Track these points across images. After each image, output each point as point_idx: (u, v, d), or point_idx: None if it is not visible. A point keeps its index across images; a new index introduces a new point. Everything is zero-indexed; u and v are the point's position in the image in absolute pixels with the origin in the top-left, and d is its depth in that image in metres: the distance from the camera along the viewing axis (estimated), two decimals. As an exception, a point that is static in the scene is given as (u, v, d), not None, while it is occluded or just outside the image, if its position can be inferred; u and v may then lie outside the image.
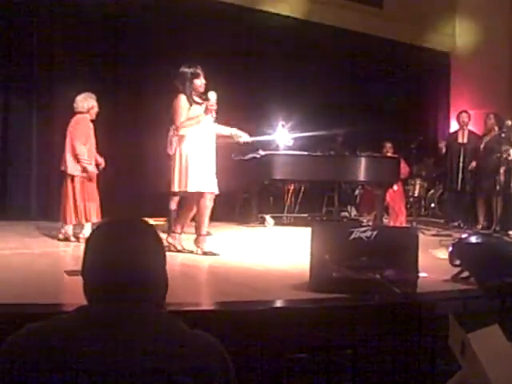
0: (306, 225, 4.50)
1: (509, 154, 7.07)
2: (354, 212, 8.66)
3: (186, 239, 5.03)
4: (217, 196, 6.93)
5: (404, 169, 7.84)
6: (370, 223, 7.21)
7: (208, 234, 5.06)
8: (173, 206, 6.13)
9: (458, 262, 3.81)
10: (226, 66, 7.85)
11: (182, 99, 4.75)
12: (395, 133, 8.67)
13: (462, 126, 7.93)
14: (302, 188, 8.13)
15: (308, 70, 8.29)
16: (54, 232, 5.74)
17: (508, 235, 6.76)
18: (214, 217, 7.55)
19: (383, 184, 7.09)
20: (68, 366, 1.17)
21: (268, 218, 7.38)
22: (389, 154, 8.19)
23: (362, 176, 6.70)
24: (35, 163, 7.33)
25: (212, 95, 4.77)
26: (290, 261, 4.67)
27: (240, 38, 8.40)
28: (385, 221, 7.70)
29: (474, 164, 7.58)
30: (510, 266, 3.47)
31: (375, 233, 3.25)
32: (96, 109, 5.54)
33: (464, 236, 4.29)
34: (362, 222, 7.60)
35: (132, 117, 7.75)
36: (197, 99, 4.83)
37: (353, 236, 3.24)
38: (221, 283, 3.72)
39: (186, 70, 4.80)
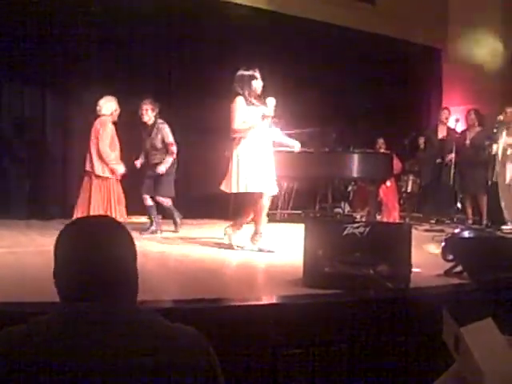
0: (300, 221, 4.51)
1: (491, 150, 7.13)
2: (347, 208, 8.67)
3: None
4: (211, 194, 6.96)
5: (396, 165, 7.86)
6: (364, 219, 7.22)
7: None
8: (149, 202, 6.21)
9: (450, 257, 3.83)
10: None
11: (239, 101, 4.85)
12: (388, 128, 8.69)
13: (443, 121, 8.04)
14: (295, 185, 8.14)
15: (300, 67, 8.28)
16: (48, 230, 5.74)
17: (500, 230, 6.80)
18: (209, 214, 7.65)
19: (376, 180, 7.10)
20: (47, 367, 1.15)
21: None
22: (381, 150, 8.22)
23: (355, 172, 6.70)
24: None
25: (270, 101, 4.84)
26: (284, 257, 4.68)
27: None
28: (378, 217, 7.71)
29: (450, 157, 7.60)
30: (503, 260, 3.49)
31: (368, 228, 3.26)
32: (118, 111, 5.70)
33: (457, 231, 4.32)
34: (356, 218, 7.62)
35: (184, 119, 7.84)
36: (254, 101, 4.90)
37: (346, 232, 3.25)
38: (214, 280, 3.71)
39: (244, 72, 4.91)
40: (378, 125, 8.79)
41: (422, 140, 8.17)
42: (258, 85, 4.91)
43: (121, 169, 5.71)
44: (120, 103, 6.24)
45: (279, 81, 6.92)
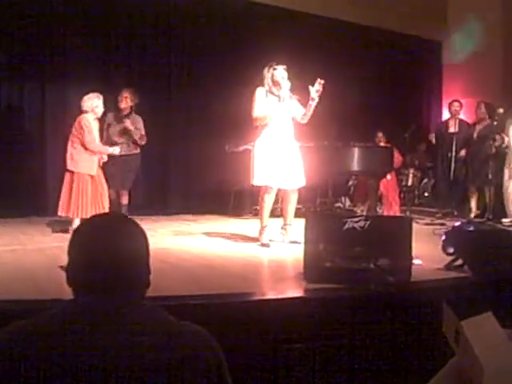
0: (300, 216, 4.51)
1: (496, 141, 7.08)
2: (348, 202, 8.67)
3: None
4: (210, 188, 6.96)
5: (397, 158, 7.84)
6: (364, 213, 7.22)
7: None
8: (124, 200, 6.32)
9: (451, 250, 3.83)
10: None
11: (259, 91, 4.97)
12: (388, 122, 8.67)
13: (454, 114, 7.95)
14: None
15: (297, 60, 8.27)
16: (47, 227, 5.75)
17: (501, 223, 6.79)
18: (208, 209, 7.65)
19: (377, 174, 7.08)
20: (55, 360, 1.16)
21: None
22: (381, 144, 8.20)
23: (355, 166, 6.69)
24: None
25: (284, 83, 4.92)
26: (284, 252, 4.68)
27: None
28: (379, 211, 7.70)
29: (463, 152, 7.58)
30: (503, 254, 3.49)
31: (368, 222, 3.25)
32: (100, 108, 5.67)
33: (457, 224, 4.31)
34: (356, 212, 7.61)
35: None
36: (275, 91, 4.97)
37: (346, 226, 3.24)
38: (213, 275, 3.71)
39: (267, 67, 5.01)
40: (377, 118, 8.78)
41: (432, 136, 8.11)
42: (278, 75, 4.96)
43: (110, 150, 5.79)
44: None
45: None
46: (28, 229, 5.89)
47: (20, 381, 1.16)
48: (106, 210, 5.55)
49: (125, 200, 6.36)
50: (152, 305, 1.33)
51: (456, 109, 7.93)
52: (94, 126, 5.66)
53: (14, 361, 1.17)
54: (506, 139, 7.03)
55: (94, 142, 5.58)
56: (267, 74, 4.99)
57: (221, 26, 8.20)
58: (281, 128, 4.99)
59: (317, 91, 4.85)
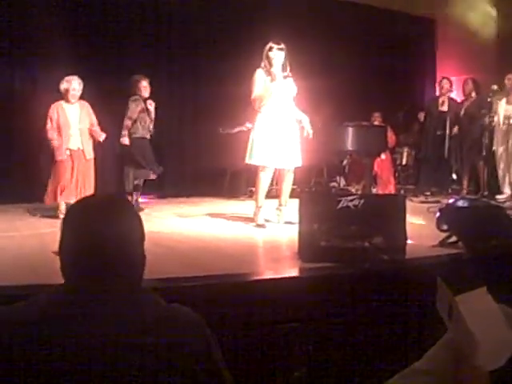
0: (295, 196, 4.51)
1: (492, 120, 7.09)
2: (343, 182, 8.67)
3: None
4: (205, 170, 6.96)
5: (391, 137, 7.83)
6: (359, 193, 7.23)
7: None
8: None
9: (445, 227, 3.84)
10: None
11: (257, 73, 4.98)
12: (382, 101, 8.64)
13: (444, 93, 7.90)
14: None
15: (294, 40, 8.22)
16: (42, 213, 5.74)
17: (495, 199, 6.82)
18: (203, 191, 7.65)
19: (371, 153, 7.07)
20: (47, 344, 1.16)
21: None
22: (376, 123, 8.18)
23: (349, 145, 6.68)
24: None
25: (276, 62, 4.93)
26: (279, 232, 4.69)
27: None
28: (373, 190, 7.72)
29: (455, 130, 7.58)
30: (497, 229, 3.51)
31: (362, 201, 3.26)
32: (69, 91, 5.64)
33: (451, 201, 4.32)
34: (351, 191, 7.62)
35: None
36: (272, 72, 4.96)
37: (340, 205, 3.25)
38: (209, 256, 3.72)
39: (267, 46, 5.01)
40: (371, 97, 8.74)
41: (421, 114, 8.09)
42: (274, 55, 4.95)
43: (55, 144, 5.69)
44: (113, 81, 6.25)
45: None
46: (24, 215, 5.88)
47: (5, 368, 1.15)
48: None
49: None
50: (143, 288, 1.32)
51: (444, 86, 7.89)
52: (52, 111, 5.64)
53: (5, 346, 1.16)
54: (496, 117, 7.06)
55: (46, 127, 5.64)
56: (264, 53, 5.00)
57: (210, 10, 8.10)
58: (280, 108, 4.98)
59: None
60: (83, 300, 1.22)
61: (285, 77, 5.00)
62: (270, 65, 4.96)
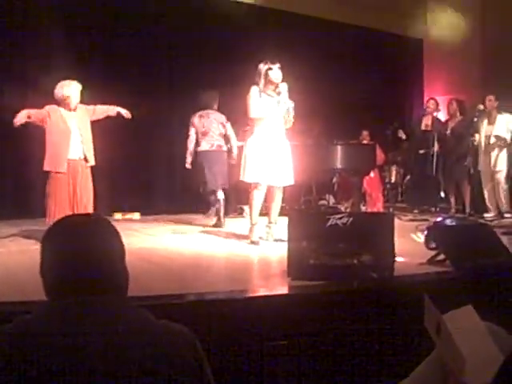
0: (285, 214, 4.53)
1: (474, 140, 7.22)
2: (332, 200, 8.71)
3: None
4: (195, 188, 6.96)
5: (379, 155, 7.89)
6: (348, 210, 7.26)
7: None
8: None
9: (433, 245, 3.87)
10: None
11: (253, 91, 4.96)
12: (370, 120, 8.73)
13: (429, 112, 8.04)
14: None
15: (280, 59, 8.31)
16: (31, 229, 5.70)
17: (482, 218, 6.88)
18: (193, 208, 7.64)
19: (360, 171, 7.13)
20: (33, 364, 1.15)
21: (246, 208, 7.37)
22: (365, 142, 8.25)
23: (338, 164, 6.73)
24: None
25: (283, 87, 4.94)
26: (268, 250, 4.69)
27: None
28: (362, 208, 7.76)
29: (436, 148, 7.67)
30: (485, 248, 3.54)
31: (351, 219, 3.28)
32: (65, 98, 5.14)
33: (439, 219, 4.36)
34: (340, 209, 7.65)
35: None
36: (270, 92, 4.99)
37: (329, 223, 3.27)
38: (199, 273, 3.72)
39: (261, 64, 5.00)
40: (360, 116, 8.83)
41: (401, 133, 8.18)
42: (273, 75, 4.97)
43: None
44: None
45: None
46: (12, 231, 5.84)
47: None
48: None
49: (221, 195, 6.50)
50: (131, 305, 1.32)
51: (431, 106, 8.05)
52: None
53: None
54: (477, 137, 7.18)
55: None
56: (261, 72, 4.98)
57: (202, 25, 8.18)
58: (273, 127, 5.02)
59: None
60: (69, 318, 1.21)
61: (291, 102, 5.00)
62: (270, 84, 4.98)
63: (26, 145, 6.96)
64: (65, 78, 5.26)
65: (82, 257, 1.27)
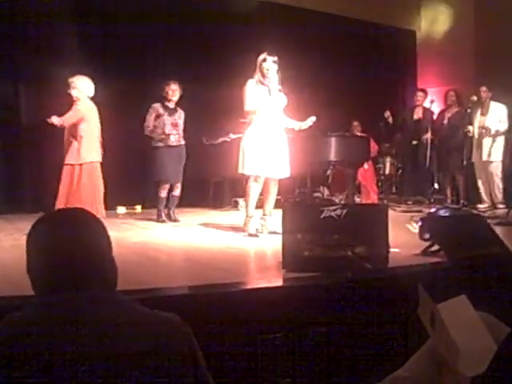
0: (280, 207, 4.53)
1: (469, 131, 7.23)
2: (326, 192, 8.71)
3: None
4: (189, 181, 6.94)
5: (373, 147, 7.90)
6: (343, 202, 7.27)
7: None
8: (163, 194, 6.21)
9: (427, 236, 3.88)
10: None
11: (248, 83, 4.99)
12: (363, 111, 8.72)
13: (418, 104, 8.11)
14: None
15: (275, 51, 8.27)
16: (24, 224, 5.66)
17: (476, 208, 6.91)
18: (187, 202, 7.63)
19: (354, 163, 7.13)
20: (24, 361, 1.15)
21: (241, 201, 7.38)
22: (357, 133, 8.25)
23: (332, 156, 6.73)
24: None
25: (272, 77, 4.95)
26: (263, 242, 4.70)
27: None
28: (357, 199, 7.77)
29: (426, 136, 7.67)
30: (479, 238, 3.55)
31: (345, 211, 3.28)
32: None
33: (433, 210, 4.37)
34: (335, 201, 7.66)
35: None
36: (264, 81, 4.99)
37: (323, 215, 3.27)
38: (194, 267, 3.72)
39: (261, 55, 5.04)
40: (353, 108, 8.81)
41: (387, 113, 8.16)
42: (267, 66, 4.97)
43: None
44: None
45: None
46: (5, 226, 5.82)
47: None
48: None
49: (178, 191, 6.39)
50: (121, 298, 1.32)
51: (419, 98, 8.13)
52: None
53: None
54: (471, 128, 7.20)
55: None
56: (257, 63, 5.01)
57: (201, 20, 8.13)
58: (270, 119, 5.02)
59: (307, 125, 5.14)
60: (60, 314, 1.21)
61: (280, 90, 5.03)
62: (263, 75, 4.98)
63: (18, 141, 6.95)
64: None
65: (67, 252, 1.26)
